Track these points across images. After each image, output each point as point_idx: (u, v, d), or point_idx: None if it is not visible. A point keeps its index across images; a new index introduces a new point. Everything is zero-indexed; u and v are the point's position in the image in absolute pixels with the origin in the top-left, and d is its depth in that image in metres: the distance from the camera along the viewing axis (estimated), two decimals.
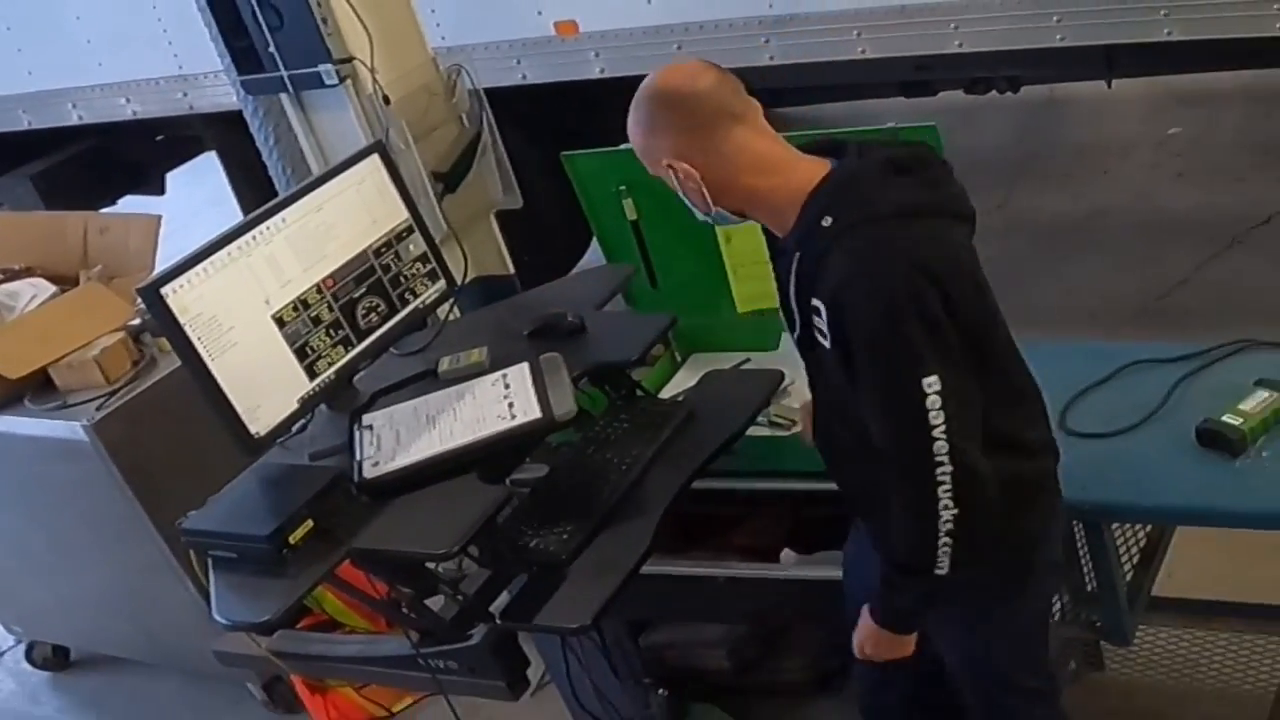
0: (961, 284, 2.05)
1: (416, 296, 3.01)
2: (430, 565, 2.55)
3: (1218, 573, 3.48)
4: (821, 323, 2.05)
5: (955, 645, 2.46)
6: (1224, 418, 2.78)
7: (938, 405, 2.00)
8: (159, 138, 6.52)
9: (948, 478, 1.98)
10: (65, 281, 4.19)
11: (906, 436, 2.03)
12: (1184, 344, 3.16)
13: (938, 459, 1.99)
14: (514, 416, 2.66)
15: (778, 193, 2.09)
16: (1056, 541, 2.43)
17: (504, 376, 2.80)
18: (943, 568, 2.05)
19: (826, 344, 2.05)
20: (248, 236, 2.63)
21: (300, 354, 2.70)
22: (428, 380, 2.95)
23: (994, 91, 5.40)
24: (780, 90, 5.38)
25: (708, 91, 2.13)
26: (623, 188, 3.35)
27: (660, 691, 3.48)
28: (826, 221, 2.01)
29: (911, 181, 2.09)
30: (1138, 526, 3.16)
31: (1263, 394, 2.83)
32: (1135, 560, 3.16)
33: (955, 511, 2.02)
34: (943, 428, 2.00)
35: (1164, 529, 3.20)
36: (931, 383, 1.99)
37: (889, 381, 2.03)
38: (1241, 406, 2.80)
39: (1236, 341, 3.12)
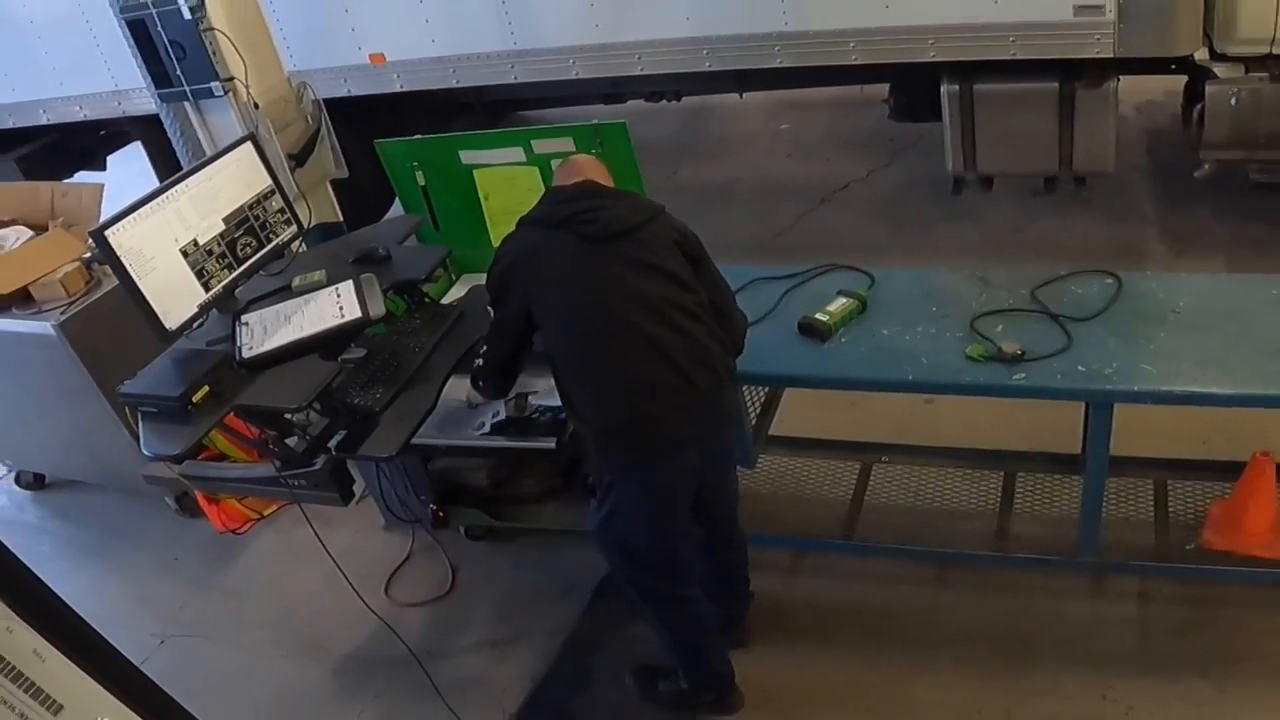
0: (534, 271, 2.82)
1: (277, 236, 3.53)
2: (287, 415, 3.08)
3: (811, 419, 4.25)
4: None
5: None
6: (816, 315, 3.47)
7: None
8: (102, 132, 7.01)
9: None
10: (39, 229, 4.72)
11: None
12: (790, 267, 3.86)
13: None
14: (343, 315, 3.20)
15: None
16: None
17: (336, 289, 3.33)
18: None
19: None
20: (163, 196, 3.15)
21: (198, 275, 3.21)
22: (285, 292, 3.43)
23: (665, 100, 6.31)
24: (521, 100, 6.33)
25: (572, 164, 3.05)
26: (416, 164, 3.91)
27: (432, 506, 4.09)
28: None
29: (542, 203, 2.94)
30: (760, 388, 3.88)
31: (842, 299, 3.54)
32: (759, 410, 3.88)
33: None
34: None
35: (777, 390, 3.93)
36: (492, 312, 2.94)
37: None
38: (828, 308, 3.50)
39: (825, 265, 3.83)
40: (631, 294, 2.79)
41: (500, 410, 3.68)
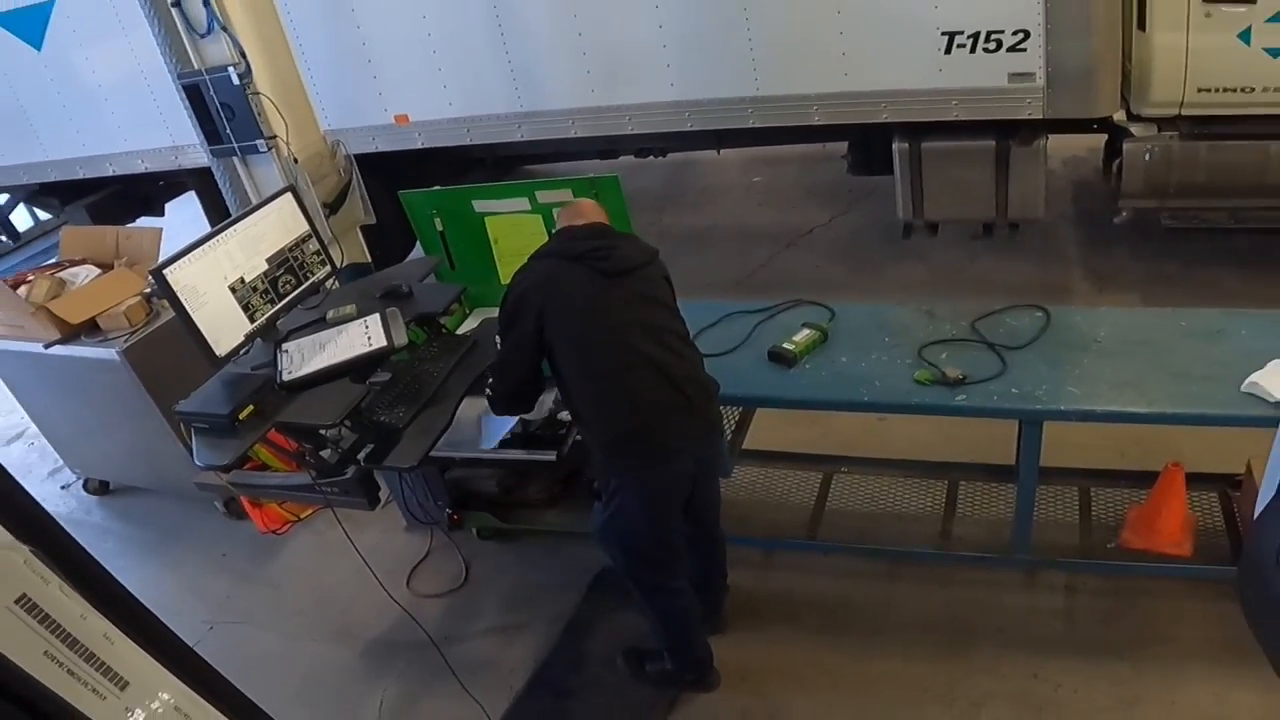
0: (552, 297, 2.82)
1: (313, 275, 3.54)
2: (322, 431, 3.08)
3: (779, 435, 4.25)
4: None
5: None
6: (784, 344, 3.50)
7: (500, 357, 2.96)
8: (161, 183, 7.06)
9: None
10: (105, 267, 4.74)
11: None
12: (761, 302, 3.89)
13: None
14: (371, 344, 3.23)
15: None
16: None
17: (365, 321, 3.35)
18: None
19: None
20: (213, 240, 3.16)
21: (244, 308, 3.21)
22: (320, 323, 3.43)
23: (652, 156, 6.34)
24: (528, 156, 6.32)
25: (577, 207, 3.08)
26: (434, 212, 3.92)
27: (447, 510, 4.13)
28: None
29: (556, 239, 2.95)
30: (735, 408, 3.88)
31: (806, 330, 3.58)
32: (734, 428, 3.88)
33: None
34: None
35: (750, 410, 3.93)
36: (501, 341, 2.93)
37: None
38: (794, 338, 3.54)
39: (791, 301, 3.86)
40: (637, 322, 2.84)
41: (506, 430, 3.68)
